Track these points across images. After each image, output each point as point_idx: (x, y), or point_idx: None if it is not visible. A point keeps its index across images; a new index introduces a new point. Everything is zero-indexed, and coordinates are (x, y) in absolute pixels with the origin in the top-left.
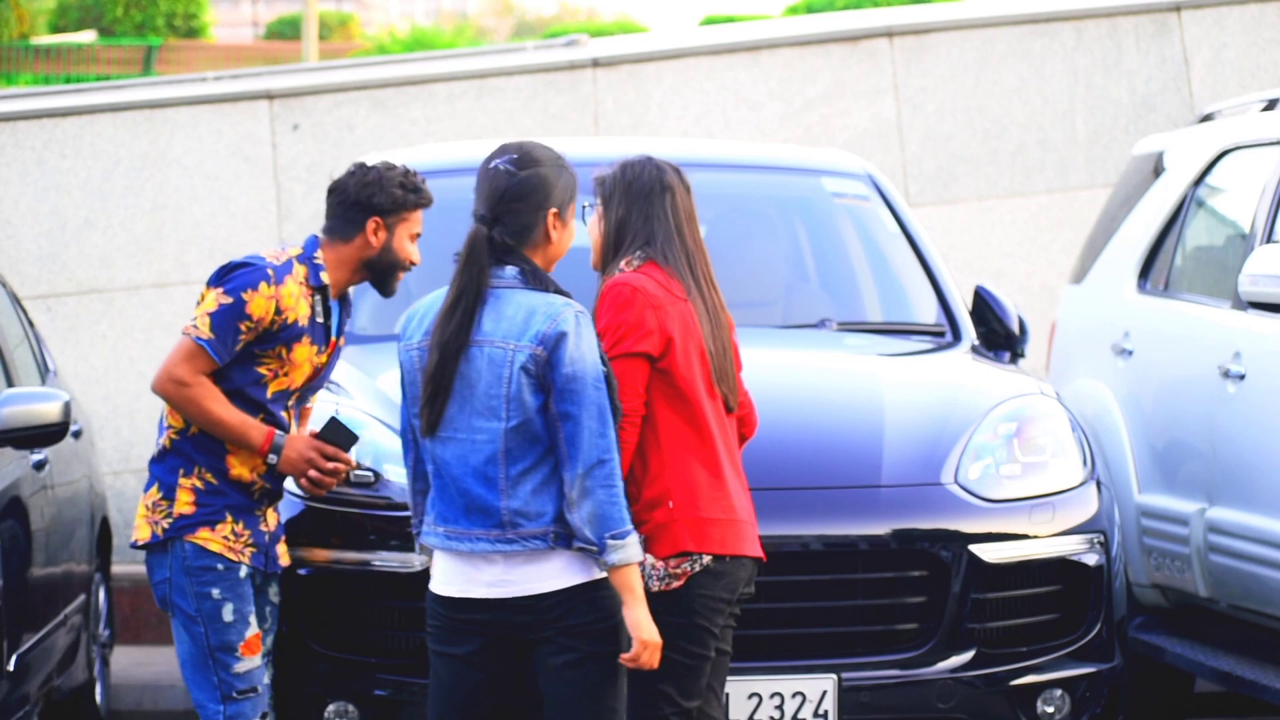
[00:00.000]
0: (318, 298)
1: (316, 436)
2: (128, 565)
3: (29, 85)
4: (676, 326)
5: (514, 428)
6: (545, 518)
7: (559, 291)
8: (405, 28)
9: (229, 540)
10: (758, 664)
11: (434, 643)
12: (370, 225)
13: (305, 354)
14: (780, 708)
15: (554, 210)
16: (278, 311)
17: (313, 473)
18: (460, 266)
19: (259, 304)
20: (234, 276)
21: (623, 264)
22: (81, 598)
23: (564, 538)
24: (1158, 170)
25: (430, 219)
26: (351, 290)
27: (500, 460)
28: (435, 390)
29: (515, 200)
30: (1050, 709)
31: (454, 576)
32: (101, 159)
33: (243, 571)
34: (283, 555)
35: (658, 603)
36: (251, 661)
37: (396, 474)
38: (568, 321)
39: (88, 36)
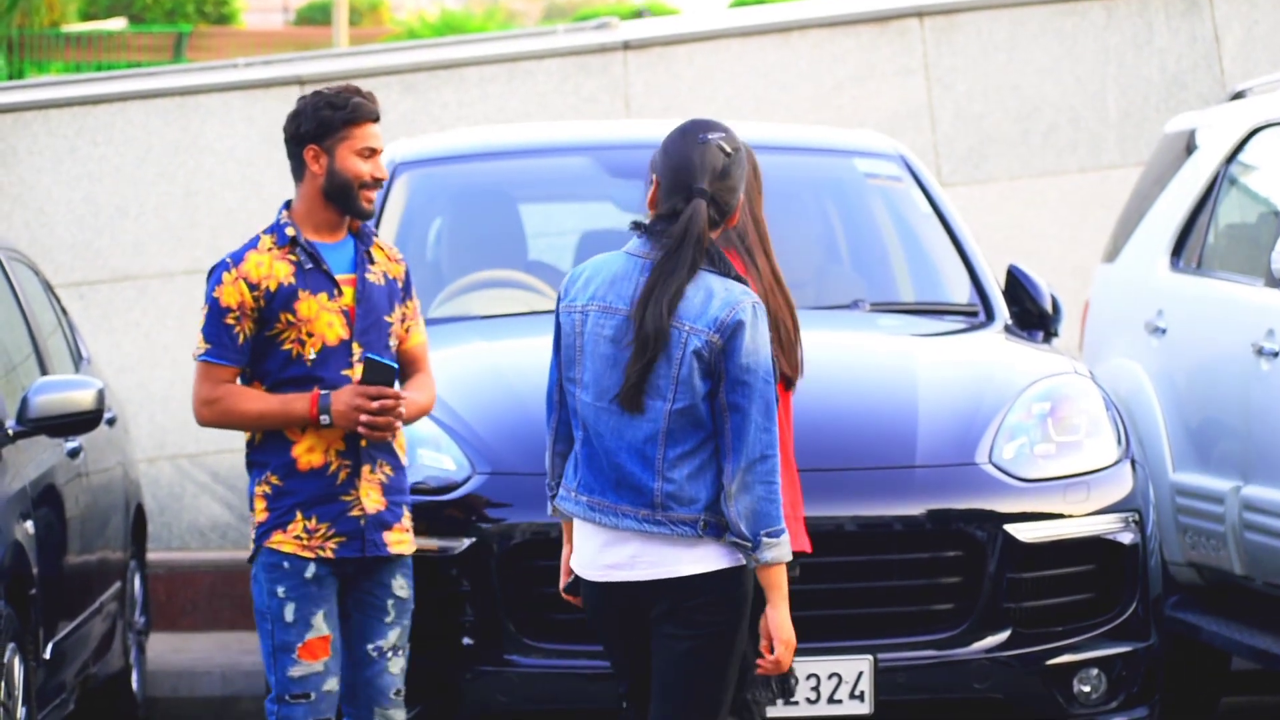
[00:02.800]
0: (297, 250)
1: (359, 382)
2: (163, 552)
3: (60, 73)
4: None
5: (679, 410)
6: (698, 504)
7: (737, 278)
8: (435, 12)
9: (301, 539)
10: None
11: (590, 620)
12: (308, 155)
13: (313, 307)
14: (816, 689)
15: (743, 196)
16: (252, 288)
17: (364, 417)
18: (681, 241)
19: (228, 292)
20: (207, 287)
21: None
22: (117, 585)
23: (714, 527)
24: (1189, 148)
25: (462, 201)
26: (366, 224)
27: (660, 441)
28: (647, 362)
29: (728, 178)
30: (1087, 688)
31: (592, 557)
32: (133, 146)
33: (309, 571)
34: (396, 543)
35: None
36: (309, 666)
37: (431, 458)
38: (745, 311)
39: (118, 24)
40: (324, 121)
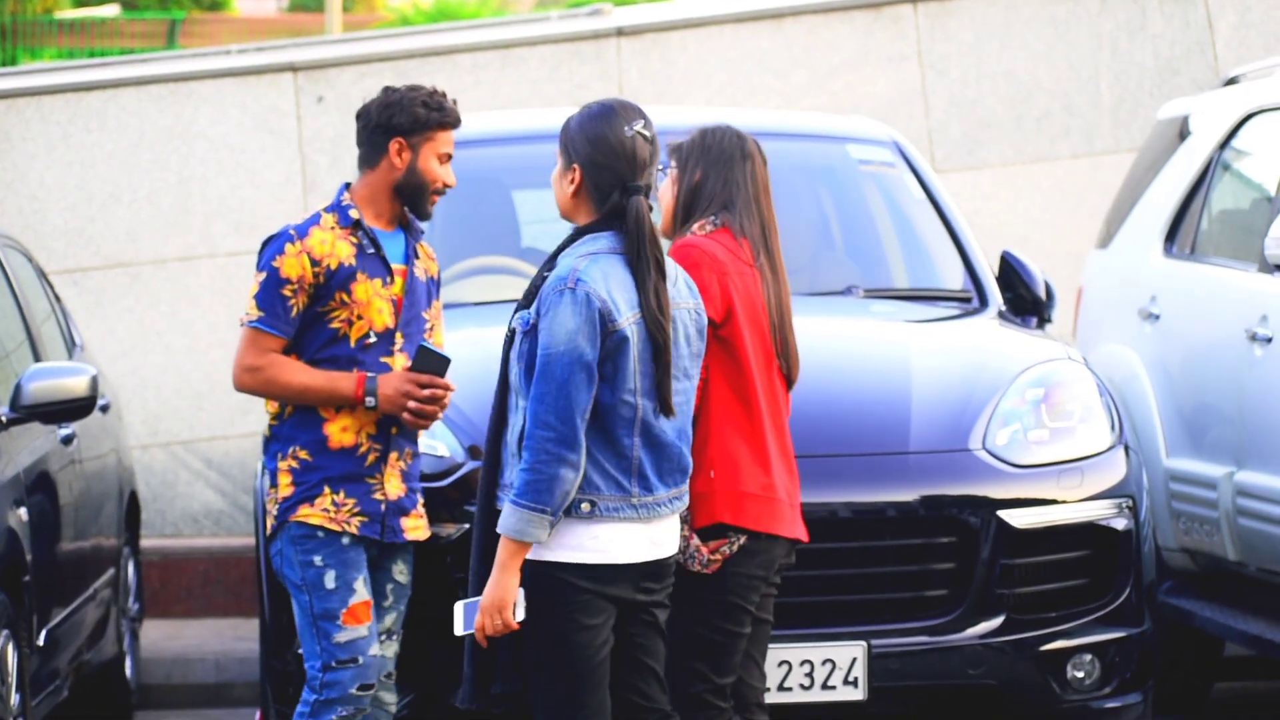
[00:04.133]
0: (360, 233)
1: (410, 370)
2: (156, 539)
3: (53, 60)
4: (739, 294)
5: (698, 384)
6: None
7: None
8: None
9: (329, 511)
10: (787, 632)
11: (578, 616)
12: (393, 147)
13: (368, 291)
14: (810, 675)
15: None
16: (315, 263)
17: (412, 404)
18: (638, 240)
19: (290, 264)
20: (263, 254)
21: (695, 228)
22: (110, 572)
23: None
24: (1183, 134)
25: (457, 190)
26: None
27: (694, 418)
28: (667, 362)
29: (652, 164)
30: (1080, 674)
31: (636, 540)
32: (126, 133)
33: (345, 538)
34: (412, 529)
35: (692, 580)
36: (355, 631)
37: (425, 444)
38: None
39: (111, 10)
40: (418, 119)
